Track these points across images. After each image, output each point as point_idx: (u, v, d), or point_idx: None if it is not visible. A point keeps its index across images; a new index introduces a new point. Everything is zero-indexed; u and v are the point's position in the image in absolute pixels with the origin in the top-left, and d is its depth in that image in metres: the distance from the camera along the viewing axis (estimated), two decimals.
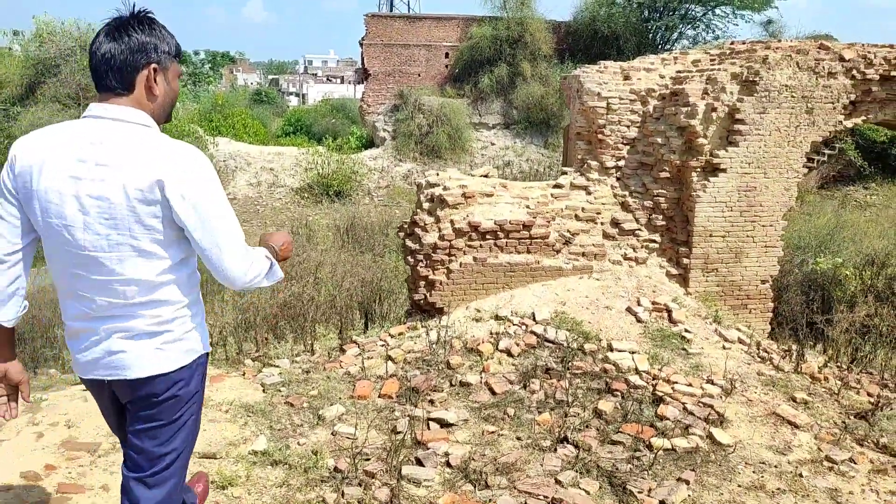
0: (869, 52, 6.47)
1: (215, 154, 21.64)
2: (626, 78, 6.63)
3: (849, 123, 6.77)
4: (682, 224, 6.17)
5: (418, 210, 6.11)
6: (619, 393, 4.31)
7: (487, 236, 5.80)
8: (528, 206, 6.03)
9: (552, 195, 6.35)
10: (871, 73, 6.46)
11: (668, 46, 24.45)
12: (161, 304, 1.95)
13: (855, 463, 3.66)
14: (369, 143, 27.23)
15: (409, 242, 5.99)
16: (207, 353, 2.15)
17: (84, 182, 1.80)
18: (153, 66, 1.91)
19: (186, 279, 2.00)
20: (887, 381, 5.38)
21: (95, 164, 1.80)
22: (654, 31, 25.22)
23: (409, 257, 5.99)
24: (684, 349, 4.90)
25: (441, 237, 5.77)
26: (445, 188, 5.99)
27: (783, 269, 9.16)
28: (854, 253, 11.03)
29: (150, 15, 1.97)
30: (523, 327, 5.21)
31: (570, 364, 4.63)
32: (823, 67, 5.92)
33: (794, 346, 5.37)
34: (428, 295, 5.77)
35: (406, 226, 6.17)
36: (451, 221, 5.82)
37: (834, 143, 20.99)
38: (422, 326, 5.60)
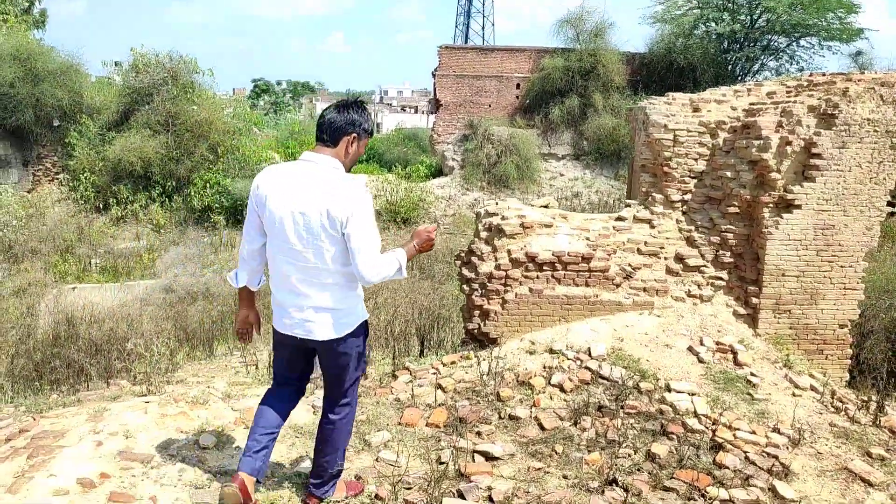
0: None
1: None
2: (696, 110, 6.46)
3: None
4: (752, 262, 5.89)
5: (476, 239, 6.11)
6: (674, 436, 4.11)
7: (545, 267, 5.72)
8: (587, 238, 5.92)
9: (614, 228, 6.21)
10: None
11: (749, 78, 23.70)
12: (334, 288, 2.92)
13: None
14: (438, 172, 27.62)
15: (465, 271, 5.98)
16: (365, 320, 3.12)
17: (296, 204, 2.79)
18: (354, 134, 2.89)
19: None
20: None
21: (303, 192, 2.79)
22: (734, 62, 24.54)
23: (464, 286, 5.97)
24: (749, 394, 4.62)
25: (497, 266, 5.73)
26: (504, 218, 5.97)
27: (868, 314, 8.58)
28: None
29: (363, 101, 2.99)
30: (578, 362, 5.08)
31: (624, 403, 4.46)
32: None
33: (873, 397, 4.98)
34: (482, 325, 5.73)
35: (463, 254, 6.17)
36: (508, 251, 5.78)
37: None
38: (474, 356, 5.54)
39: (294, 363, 3.20)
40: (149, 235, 18.26)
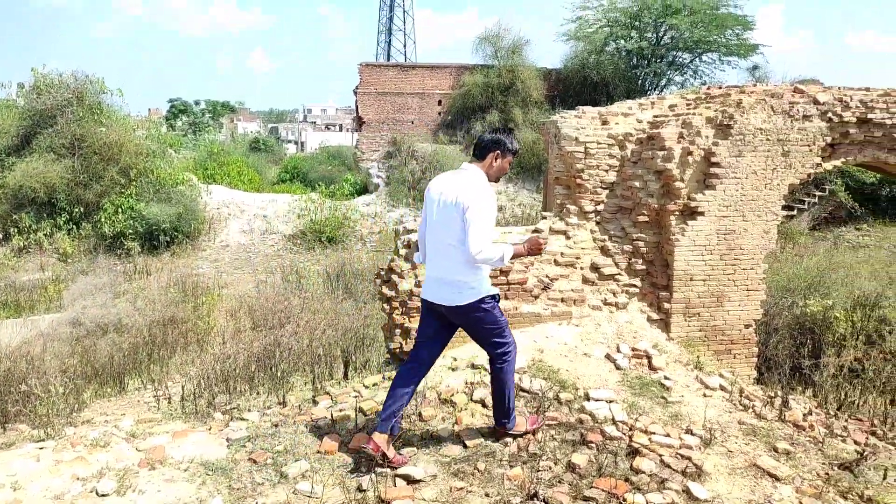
0: (845, 96, 6.52)
1: (209, 201, 21.77)
2: (605, 123, 6.66)
3: (828, 165, 6.77)
4: (663, 268, 6.09)
5: (395, 256, 6.04)
6: (594, 445, 4.15)
7: None
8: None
9: None
10: (847, 115, 6.50)
11: (657, 92, 24.88)
12: (457, 263, 3.76)
13: None
14: (363, 190, 27.45)
15: (385, 289, 5.90)
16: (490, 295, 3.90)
17: (442, 195, 3.76)
18: (498, 151, 3.79)
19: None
20: (875, 427, 5.21)
21: (450, 189, 3.73)
22: (643, 77, 25.69)
23: (384, 305, 5.89)
24: (663, 397, 4.75)
25: (417, 284, 5.68)
26: None
27: (772, 313, 9.06)
28: (844, 295, 10.93)
29: (511, 128, 4.29)
30: None
31: (544, 415, 4.48)
32: (798, 111, 5.95)
33: (778, 393, 5.22)
34: (404, 343, 5.65)
35: (383, 272, 6.09)
36: None
37: (824, 185, 21.15)
38: None
39: (426, 325, 4.09)
40: (54, 266, 17.18)
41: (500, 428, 4.20)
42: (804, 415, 4.97)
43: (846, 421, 5.44)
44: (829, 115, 6.20)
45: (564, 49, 57.43)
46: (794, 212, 21.24)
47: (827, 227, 20.93)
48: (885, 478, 4.04)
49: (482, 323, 3.92)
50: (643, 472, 3.83)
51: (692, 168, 5.92)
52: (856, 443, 4.70)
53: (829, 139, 6.16)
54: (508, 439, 4.25)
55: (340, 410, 4.99)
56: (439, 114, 27.67)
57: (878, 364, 6.15)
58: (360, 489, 3.78)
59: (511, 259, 3.79)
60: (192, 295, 13.71)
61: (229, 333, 9.99)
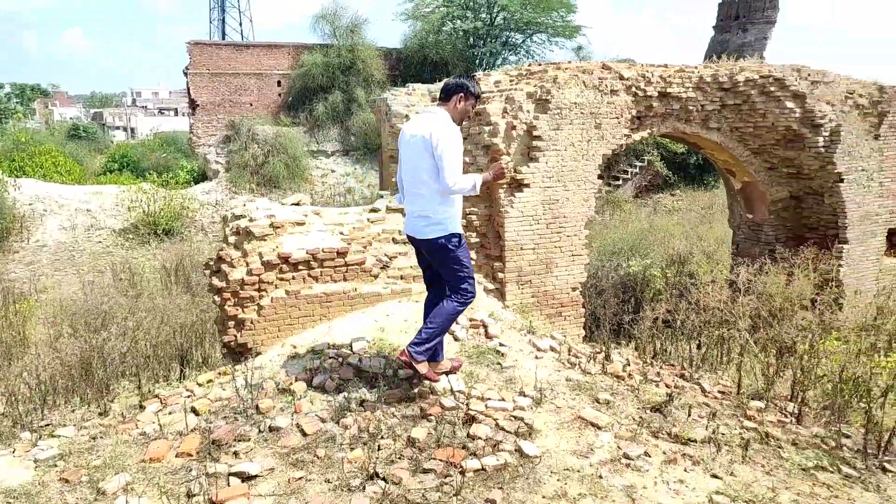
0: (647, 72, 7.11)
1: (18, 197, 19.31)
2: (434, 100, 6.72)
3: (637, 136, 7.37)
4: (495, 240, 6.32)
5: (224, 244, 5.71)
6: (433, 417, 4.23)
7: (300, 267, 5.53)
8: (342, 233, 5.86)
9: (368, 220, 6.23)
10: (650, 90, 7.10)
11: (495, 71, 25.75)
12: (428, 199, 4.11)
13: (649, 456, 3.84)
14: (202, 177, 25.77)
15: (215, 280, 5.56)
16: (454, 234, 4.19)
17: (413, 135, 4.10)
18: (461, 94, 4.12)
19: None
20: (684, 370, 5.81)
21: (419, 129, 4.05)
22: (480, 57, 26.43)
23: (216, 297, 5.55)
24: (499, 364, 4.94)
25: (249, 272, 5.41)
26: (252, 219, 5.66)
27: (600, 275, 9.79)
28: (662, 254, 12.11)
29: (475, 75, 5.44)
30: (340, 359, 4.99)
31: (384, 393, 4.48)
32: (606, 85, 6.39)
33: (602, 348, 5.64)
34: (238, 336, 5.37)
35: (212, 263, 5.73)
36: (260, 254, 5.49)
37: (643, 156, 23.20)
38: (233, 370, 5.18)
39: (420, 259, 4.60)
40: None
41: (407, 357, 4.29)
42: (623, 366, 5.42)
43: (660, 367, 6.01)
44: (634, 89, 6.73)
45: (404, 28, 57.63)
46: (620, 181, 23.12)
47: (647, 195, 23.03)
48: (689, 415, 4.52)
49: (448, 260, 4.24)
50: (479, 438, 3.96)
51: (517, 142, 6.17)
52: (666, 386, 5.21)
53: (634, 112, 6.69)
54: (349, 421, 4.20)
55: (170, 413, 4.66)
56: (279, 95, 26.59)
57: (686, 314, 6.85)
58: (189, 495, 3.55)
59: (481, 185, 4.10)
60: (2, 304, 12.12)
61: (45, 342, 8.96)
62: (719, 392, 5.36)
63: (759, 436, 4.37)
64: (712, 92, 7.50)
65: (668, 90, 7.24)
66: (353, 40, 25.46)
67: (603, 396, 4.57)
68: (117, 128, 66.05)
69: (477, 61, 25.74)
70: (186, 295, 10.35)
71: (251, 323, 5.35)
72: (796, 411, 5.02)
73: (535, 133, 6.10)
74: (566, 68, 6.52)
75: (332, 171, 25.40)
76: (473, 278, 4.35)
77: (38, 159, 26.14)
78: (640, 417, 4.37)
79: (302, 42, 26.40)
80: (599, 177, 6.55)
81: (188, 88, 25.78)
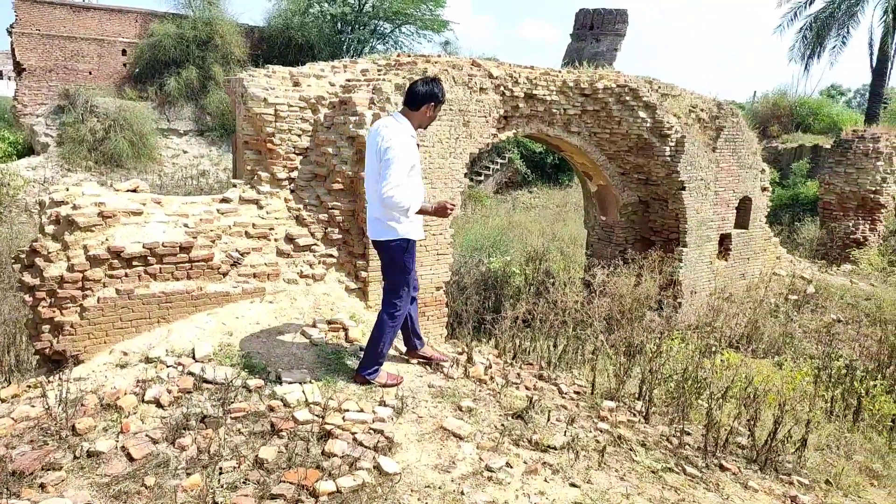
0: (515, 72, 7.13)
1: None
2: (296, 84, 6.27)
3: (503, 136, 7.39)
4: (359, 237, 6.02)
5: (40, 235, 4.89)
6: (285, 434, 3.86)
7: (134, 263, 4.88)
8: (186, 225, 5.26)
9: (218, 211, 5.66)
10: (517, 90, 7.13)
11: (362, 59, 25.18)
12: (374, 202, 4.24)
13: (511, 467, 3.76)
14: (28, 151, 22.79)
15: (26, 277, 4.74)
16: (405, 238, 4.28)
17: (376, 139, 4.15)
18: (432, 104, 4.25)
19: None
20: (542, 370, 5.89)
21: (379, 131, 4.15)
22: (348, 43, 25.74)
23: (26, 296, 4.74)
24: None
25: (71, 268, 4.67)
26: (76, 206, 4.90)
27: (463, 271, 9.79)
28: (521, 251, 12.42)
29: (439, 78, 4.62)
30: (179, 368, 4.45)
31: (230, 407, 4.04)
32: (476, 83, 6.29)
33: (465, 349, 5.55)
34: (55, 341, 4.63)
35: (23, 256, 4.89)
36: (85, 247, 4.76)
37: (504, 154, 23.88)
38: (48, 382, 4.45)
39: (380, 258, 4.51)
40: None
41: (359, 375, 4.44)
42: (486, 368, 5.35)
43: (520, 368, 6.05)
44: (502, 88, 6.70)
45: (268, 6, 54.98)
46: (482, 178, 23.64)
47: (507, 191, 23.77)
48: (548, 419, 4.52)
49: (387, 263, 4.33)
50: (335, 455, 3.66)
51: None
52: (527, 388, 5.22)
53: (502, 111, 6.67)
54: (187, 441, 3.72)
55: None
56: (125, 65, 24.17)
57: (545, 313, 7.00)
58: None
59: (416, 212, 4.18)
60: None
61: None
62: (575, 392, 5.47)
63: (613, 438, 4.47)
64: (574, 97, 7.70)
65: (535, 92, 7.32)
66: (210, 12, 23.73)
67: (465, 403, 4.45)
68: None
69: (344, 47, 25.04)
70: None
71: (71, 327, 4.63)
72: (644, 410, 5.24)
73: None
74: (436, 62, 6.35)
75: (185, 153, 23.56)
76: (407, 287, 4.41)
77: None
78: (503, 425, 4.30)
79: (152, 9, 24.18)
80: (466, 174, 6.45)
81: (12, 50, 22.67)
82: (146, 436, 3.81)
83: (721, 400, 5.14)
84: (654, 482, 3.92)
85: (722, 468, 4.39)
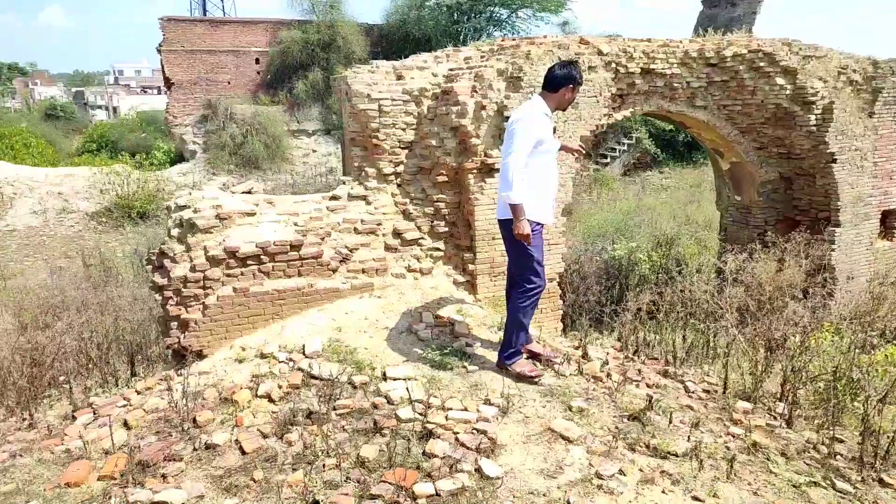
0: (629, 47, 6.63)
1: None
2: (399, 78, 6.22)
3: (618, 116, 6.91)
4: (465, 229, 5.87)
5: (167, 238, 5.23)
6: (388, 431, 3.81)
7: (249, 262, 5.07)
8: (296, 224, 5.39)
9: (328, 208, 5.76)
10: (632, 66, 6.62)
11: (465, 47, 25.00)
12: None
13: (624, 475, 3.45)
14: (179, 158, 25.08)
15: (156, 277, 5.09)
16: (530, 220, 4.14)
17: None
18: (570, 85, 4.21)
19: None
20: (668, 365, 5.43)
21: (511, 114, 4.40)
22: (465, 32, 25.70)
23: (157, 295, 5.09)
24: (465, 367, 4.51)
25: (193, 268, 4.94)
26: (196, 210, 5.18)
27: (583, 259, 9.36)
28: (649, 236, 11.70)
29: (575, 60, 4.82)
30: (290, 364, 4.56)
31: (335, 403, 4.06)
32: (583, 62, 5.90)
33: (578, 344, 5.24)
34: (182, 337, 4.92)
35: (154, 258, 5.25)
36: (205, 248, 5.02)
37: (631, 133, 22.72)
38: (178, 376, 4.74)
39: None
40: None
41: (499, 359, 4.49)
42: (602, 364, 5.01)
43: (643, 362, 5.62)
44: (615, 65, 6.25)
45: (385, 4, 56.35)
46: (608, 160, 22.67)
47: (636, 173, 22.60)
48: (670, 421, 4.13)
49: (508, 243, 4.30)
50: (436, 456, 3.55)
51: (487, 123, 5.69)
52: (648, 386, 4.82)
53: (614, 90, 6.22)
54: (294, 437, 3.78)
55: (101, 426, 4.22)
56: (258, 73, 25.82)
57: (671, 304, 6.47)
58: None
59: (513, 211, 4.04)
60: None
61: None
62: (704, 391, 4.98)
63: (747, 445, 3.99)
64: (698, 68, 7.03)
65: (652, 66, 6.76)
66: (332, 16, 24.69)
67: (577, 404, 4.17)
68: (99, 107, 64.55)
69: (461, 37, 25.01)
70: (144, 288, 9.84)
71: (195, 323, 4.90)
72: (786, 413, 4.65)
73: (506, 114, 5.62)
74: (541, 43, 6.03)
75: (314, 151, 24.78)
76: (542, 267, 4.33)
77: (7, 141, 25.33)
78: (617, 427, 3.97)
79: (279, 18, 25.60)
80: (577, 160, 6.09)
81: (162, 66, 24.97)
82: (257, 430, 3.92)
83: (882, 403, 4.44)
84: (796, 498, 3.43)
85: (882, 483, 3.77)
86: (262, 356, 4.71)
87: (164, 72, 24.93)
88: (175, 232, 5.15)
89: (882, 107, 7.58)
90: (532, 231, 4.12)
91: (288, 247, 5.17)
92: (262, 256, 5.09)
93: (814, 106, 7.17)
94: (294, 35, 24.29)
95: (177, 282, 4.93)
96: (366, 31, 25.29)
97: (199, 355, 4.92)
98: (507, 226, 4.19)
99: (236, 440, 3.84)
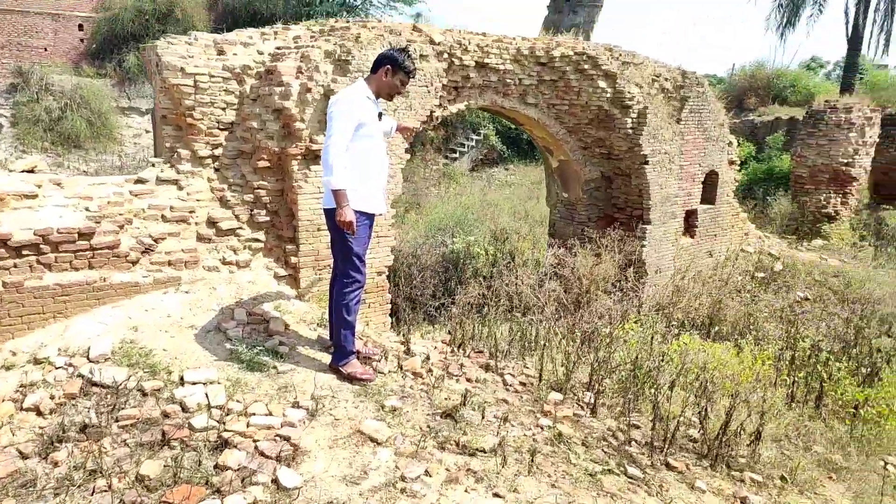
0: (464, 39, 6.64)
1: None
2: (221, 53, 5.73)
3: (453, 109, 6.91)
4: (288, 219, 5.55)
5: None
6: (176, 444, 3.44)
7: (25, 252, 4.38)
8: (87, 209, 4.76)
9: (131, 193, 5.17)
10: (467, 59, 6.64)
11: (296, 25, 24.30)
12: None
13: (429, 476, 3.37)
14: None
15: None
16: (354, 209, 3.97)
17: None
18: (388, 67, 4.05)
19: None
20: (491, 359, 5.50)
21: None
22: (315, 15, 24.87)
23: None
24: (275, 367, 4.22)
25: None
26: None
27: (421, 251, 9.36)
28: (488, 230, 12.00)
29: (407, 48, 4.31)
30: (70, 370, 4.00)
31: (118, 414, 3.60)
32: (415, 49, 5.80)
33: (403, 339, 5.14)
34: None
35: None
36: None
37: (479, 130, 23.33)
38: None
39: None
40: None
41: (331, 365, 4.29)
42: (424, 359, 4.95)
43: (468, 355, 5.66)
44: (448, 56, 6.21)
45: None
46: (457, 154, 23.10)
47: (483, 168, 23.26)
48: (483, 417, 4.14)
49: (333, 232, 4.04)
50: (230, 469, 3.24)
51: (313, 107, 5.40)
52: (468, 380, 4.83)
53: (446, 80, 6.19)
54: (62, 455, 3.29)
55: None
56: (82, 41, 23.21)
57: (497, 297, 6.61)
58: None
59: (335, 197, 3.82)
60: None
61: None
62: (521, 384, 5.10)
63: (552, 436, 4.10)
64: (530, 66, 7.23)
65: (486, 61, 6.84)
66: None
67: (390, 403, 4.04)
68: None
69: (313, 20, 24.22)
70: None
71: None
72: (592, 402, 4.88)
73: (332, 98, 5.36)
74: (372, 27, 5.84)
75: (147, 132, 22.75)
76: (363, 263, 4.14)
77: None
78: (429, 426, 3.90)
79: None
80: (407, 150, 5.99)
81: None
82: (16, 450, 3.37)
83: (672, 389, 4.80)
84: (590, 487, 3.56)
85: (669, 467, 4.05)
86: (36, 362, 4.08)
87: None
88: None
89: (688, 114, 8.29)
90: (357, 222, 3.93)
91: (76, 235, 4.54)
92: (41, 246, 4.42)
93: (630, 110, 7.67)
94: (125, 2, 22.09)
95: None
96: (209, 4, 23.66)
97: None
98: (331, 215, 3.97)
99: None
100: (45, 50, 22.73)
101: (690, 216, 8.75)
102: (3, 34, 22.11)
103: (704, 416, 4.50)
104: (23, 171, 4.95)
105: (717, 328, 6.86)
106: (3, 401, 3.72)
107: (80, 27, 23.03)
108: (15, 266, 4.36)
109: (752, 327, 6.80)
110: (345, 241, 4.01)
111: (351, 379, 4.20)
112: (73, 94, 21.17)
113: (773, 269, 9.07)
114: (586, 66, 7.35)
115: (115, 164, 19.81)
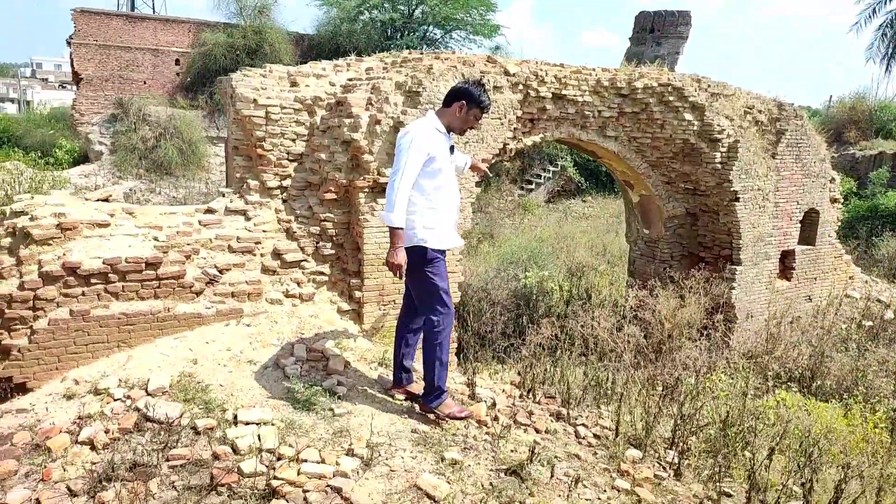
0: (541, 70, 6.39)
1: None
2: (294, 84, 5.73)
3: (528, 141, 6.65)
4: (354, 252, 5.40)
5: None
6: (224, 490, 3.26)
7: (93, 280, 4.41)
8: (156, 238, 4.77)
9: (200, 223, 5.17)
10: (543, 90, 6.38)
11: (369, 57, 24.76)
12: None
13: None
14: (84, 159, 23.45)
15: None
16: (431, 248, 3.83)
17: None
18: (463, 102, 3.85)
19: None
20: (563, 406, 5.10)
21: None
22: (397, 50, 25.43)
23: None
24: (331, 409, 4.02)
25: (21, 285, 4.24)
26: (33, 218, 4.47)
27: (492, 286, 9.05)
28: (563, 264, 11.56)
29: (482, 81, 4.23)
30: (128, 402, 3.93)
31: (169, 454, 3.47)
32: (488, 81, 5.59)
33: (468, 383, 4.83)
34: (1, 367, 4.19)
35: None
36: (39, 263, 4.32)
37: (556, 161, 22.94)
38: None
39: None
40: None
41: (422, 405, 4.10)
42: (490, 405, 4.62)
43: (538, 400, 5.28)
44: (523, 88, 5.97)
45: (318, 14, 55.60)
46: (533, 186, 22.77)
47: (559, 200, 22.79)
48: (552, 475, 3.76)
49: (412, 272, 3.85)
50: None
51: (381, 139, 5.27)
52: (537, 431, 4.47)
53: (520, 112, 5.94)
54: (109, 495, 3.17)
55: None
56: (177, 74, 24.63)
57: (571, 339, 6.19)
58: None
59: (390, 235, 3.71)
60: None
61: None
62: (595, 436, 4.66)
63: (631, 503, 3.66)
64: (610, 98, 6.89)
65: (564, 92, 6.55)
66: (260, 21, 23.87)
67: (451, 455, 3.73)
68: (11, 100, 60.32)
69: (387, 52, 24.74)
70: None
71: (19, 351, 4.18)
72: (675, 462, 4.38)
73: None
74: (445, 58, 5.69)
75: None
76: (448, 296, 3.96)
77: None
78: (491, 483, 3.56)
79: (204, 19, 24.56)
80: (478, 184, 5.76)
81: (71, 60, 23.43)
82: (66, 486, 3.28)
83: (771, 453, 4.24)
84: None
85: None
86: (96, 392, 4.04)
87: (73, 66, 23.40)
88: (6, 242, 4.43)
89: (785, 148, 7.67)
90: (433, 260, 3.82)
91: (143, 264, 4.54)
92: (109, 274, 4.43)
93: (720, 143, 7.16)
94: (218, 38, 23.31)
95: (0, 300, 4.20)
96: (295, 40, 24.63)
97: (23, 389, 4.19)
98: (410, 254, 3.80)
99: (36, 500, 3.18)
100: (144, 83, 24.24)
101: (787, 257, 8.04)
102: (108, 68, 23.76)
103: (810, 489, 3.93)
104: (98, 200, 5.05)
105: (818, 382, 6.17)
106: (60, 432, 3.67)
107: (177, 62, 24.45)
108: (83, 294, 4.38)
109: (860, 383, 6.06)
110: (428, 279, 3.86)
111: (450, 419, 4.07)
112: (167, 124, 22.38)
113: (883, 318, 8.17)
114: (671, 98, 6.93)
115: (202, 191, 20.66)
